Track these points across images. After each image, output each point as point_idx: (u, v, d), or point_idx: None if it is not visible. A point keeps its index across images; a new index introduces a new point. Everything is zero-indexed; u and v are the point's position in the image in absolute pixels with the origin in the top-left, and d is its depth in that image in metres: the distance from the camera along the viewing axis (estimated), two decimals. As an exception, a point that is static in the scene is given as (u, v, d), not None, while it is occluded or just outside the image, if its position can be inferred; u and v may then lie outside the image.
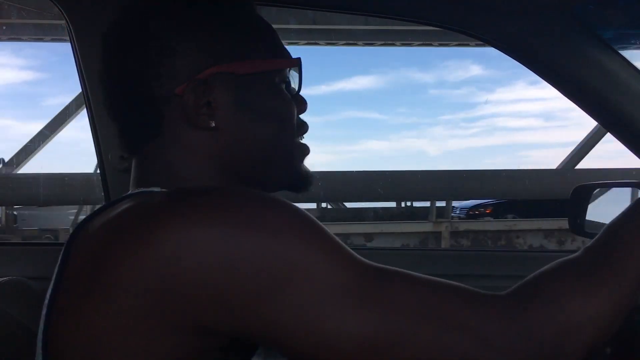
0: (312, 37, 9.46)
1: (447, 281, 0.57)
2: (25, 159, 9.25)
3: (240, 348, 0.60)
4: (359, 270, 0.55)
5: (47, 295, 0.60)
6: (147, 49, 0.66)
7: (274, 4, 1.11)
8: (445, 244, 8.43)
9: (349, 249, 0.56)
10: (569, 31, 0.92)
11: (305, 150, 0.74)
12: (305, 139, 0.76)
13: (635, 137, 0.95)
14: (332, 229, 0.58)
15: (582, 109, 0.98)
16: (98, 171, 1.30)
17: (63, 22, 1.16)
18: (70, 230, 0.65)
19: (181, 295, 0.52)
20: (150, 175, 0.68)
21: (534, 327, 0.54)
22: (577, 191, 1.14)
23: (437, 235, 8.64)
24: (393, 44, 10.32)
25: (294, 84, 0.74)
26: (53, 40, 9.55)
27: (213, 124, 0.66)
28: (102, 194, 1.29)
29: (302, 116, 0.75)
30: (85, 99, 1.22)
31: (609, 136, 0.99)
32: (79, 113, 9.36)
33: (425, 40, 10.07)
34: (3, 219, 8.51)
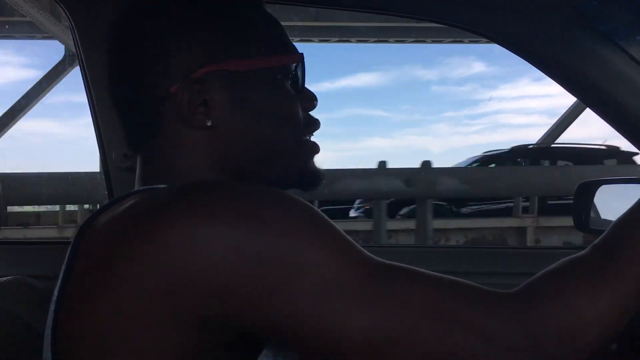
0: (315, 35, 9.47)
1: (455, 278, 0.57)
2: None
3: (247, 346, 0.60)
4: (367, 266, 0.55)
5: (55, 292, 0.61)
6: (143, 48, 0.67)
7: (276, 2, 1.11)
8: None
9: (357, 245, 0.56)
10: (573, 27, 0.92)
11: (313, 148, 0.74)
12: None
13: (640, 133, 0.95)
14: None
15: (587, 105, 0.98)
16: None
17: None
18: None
19: (188, 290, 0.52)
20: (154, 173, 0.69)
21: (541, 326, 0.54)
22: (582, 188, 1.13)
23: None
24: (386, 41, 10.32)
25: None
26: (44, 38, 9.60)
27: (209, 123, 0.66)
28: (106, 192, 1.30)
29: None
30: (89, 98, 1.22)
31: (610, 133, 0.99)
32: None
33: (427, 36, 10.07)
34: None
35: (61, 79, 9.76)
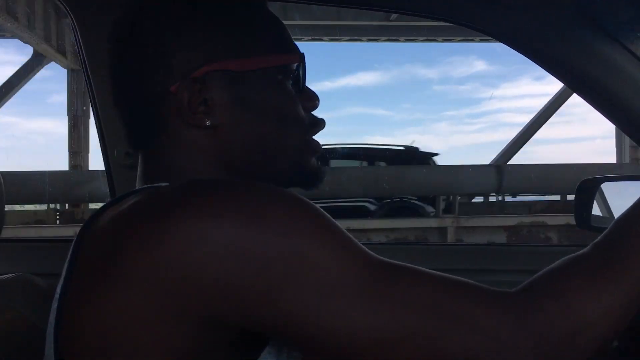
0: (316, 33, 9.46)
1: (457, 277, 0.57)
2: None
3: (250, 344, 0.60)
4: (369, 264, 0.55)
5: (58, 290, 0.61)
6: (144, 47, 0.67)
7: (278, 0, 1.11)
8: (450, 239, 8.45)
9: (359, 243, 0.56)
10: (575, 24, 0.92)
11: (315, 147, 0.74)
12: None
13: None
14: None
15: (589, 103, 0.97)
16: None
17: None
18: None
19: (192, 288, 0.52)
20: (156, 172, 0.69)
21: (545, 324, 0.54)
22: (583, 185, 1.13)
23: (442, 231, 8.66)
24: (397, 40, 10.31)
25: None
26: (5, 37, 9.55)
27: (209, 123, 0.66)
28: (108, 190, 1.30)
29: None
30: (90, 96, 1.22)
31: (611, 131, 0.98)
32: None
33: (430, 35, 10.07)
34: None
35: (31, 78, 9.66)
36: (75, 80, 9.23)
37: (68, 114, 9.31)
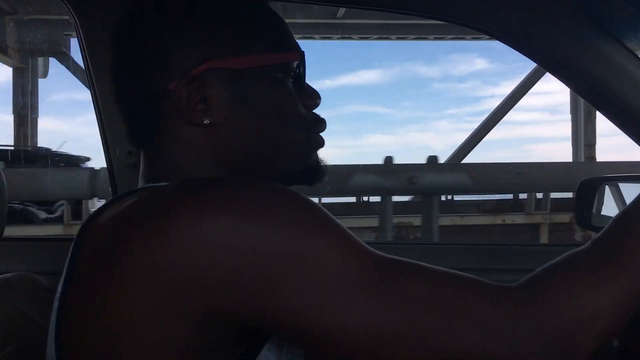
0: (316, 31, 9.44)
1: (458, 272, 0.57)
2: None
3: (252, 340, 0.61)
4: (370, 261, 0.55)
5: (58, 289, 0.61)
6: (143, 45, 0.67)
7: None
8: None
9: (359, 240, 0.57)
10: (574, 23, 0.92)
11: (317, 143, 0.74)
12: None
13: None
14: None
15: (588, 101, 0.97)
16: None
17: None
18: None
19: (193, 285, 0.52)
20: (157, 171, 0.69)
21: (545, 319, 0.54)
22: (584, 185, 1.13)
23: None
24: (388, 38, 10.29)
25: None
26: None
27: (207, 121, 0.66)
28: (110, 189, 1.30)
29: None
30: (92, 95, 1.22)
31: (613, 129, 0.99)
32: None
33: (428, 33, 10.05)
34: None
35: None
36: (20, 78, 9.07)
37: (14, 112, 9.12)
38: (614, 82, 0.91)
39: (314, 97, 0.73)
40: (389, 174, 6.76)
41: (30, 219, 7.54)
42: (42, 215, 7.81)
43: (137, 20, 0.69)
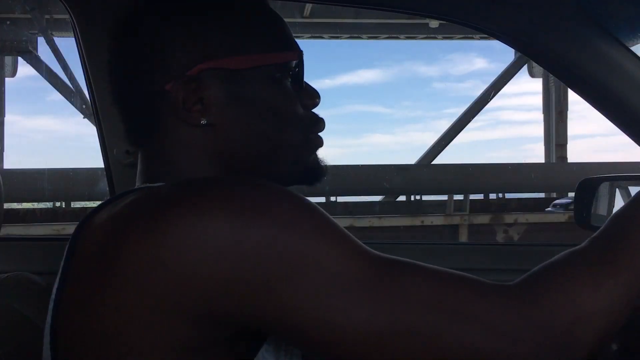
0: (316, 31, 9.45)
1: (456, 272, 0.57)
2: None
3: (250, 340, 0.60)
4: (368, 261, 0.55)
5: (54, 289, 0.61)
6: (140, 45, 0.67)
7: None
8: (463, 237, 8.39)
9: (357, 240, 0.57)
10: (574, 23, 0.91)
11: (317, 144, 0.73)
12: None
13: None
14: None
15: (587, 101, 0.97)
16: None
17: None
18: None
19: (190, 285, 0.52)
20: (154, 171, 0.69)
21: (544, 317, 0.54)
22: (583, 185, 1.13)
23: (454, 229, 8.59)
24: (397, 37, 10.31)
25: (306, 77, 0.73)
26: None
27: (204, 121, 0.66)
28: (107, 189, 1.30)
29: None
30: (90, 94, 1.22)
31: (613, 128, 0.99)
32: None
33: (437, 33, 10.07)
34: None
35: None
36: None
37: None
38: (614, 82, 0.90)
39: (313, 97, 0.73)
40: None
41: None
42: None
43: (134, 21, 0.69)
